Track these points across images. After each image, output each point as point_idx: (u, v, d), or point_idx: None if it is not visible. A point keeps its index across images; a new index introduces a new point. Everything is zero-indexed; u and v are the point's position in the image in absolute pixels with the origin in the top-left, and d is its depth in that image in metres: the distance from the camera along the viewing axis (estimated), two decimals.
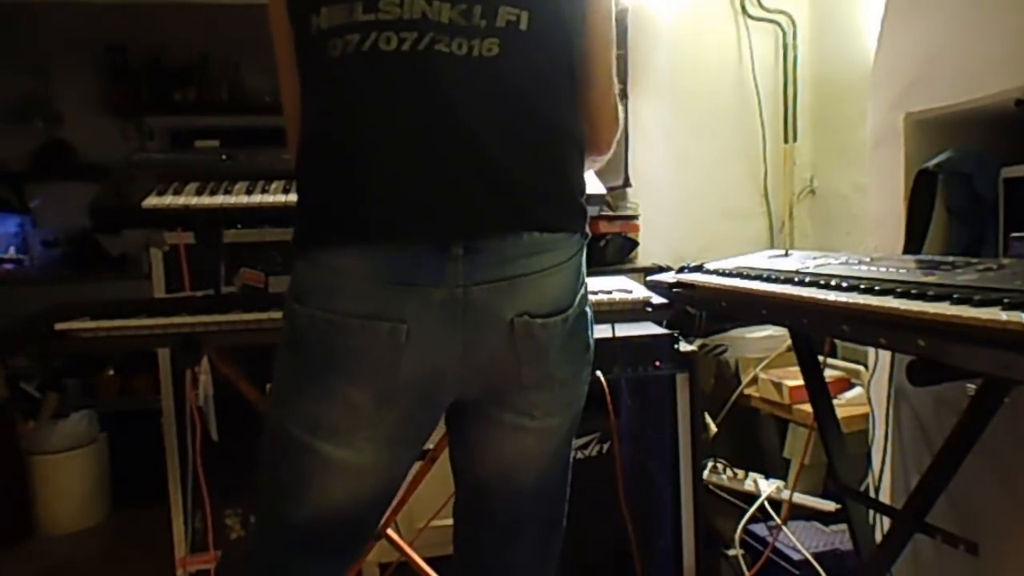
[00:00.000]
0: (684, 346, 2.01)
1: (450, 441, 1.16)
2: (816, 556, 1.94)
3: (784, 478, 2.28)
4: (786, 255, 1.57)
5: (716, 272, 1.50)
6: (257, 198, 1.58)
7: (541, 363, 1.03)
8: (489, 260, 0.97)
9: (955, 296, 0.96)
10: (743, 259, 1.57)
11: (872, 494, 1.85)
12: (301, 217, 1.03)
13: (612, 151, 1.20)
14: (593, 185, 1.65)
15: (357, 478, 1.03)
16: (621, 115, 1.16)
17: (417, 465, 1.61)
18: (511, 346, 0.99)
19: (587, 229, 1.08)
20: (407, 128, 0.96)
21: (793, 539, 1.99)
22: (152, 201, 1.55)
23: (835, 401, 1.78)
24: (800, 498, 2.14)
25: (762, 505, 2.16)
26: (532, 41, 0.99)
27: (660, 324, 2.05)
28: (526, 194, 0.99)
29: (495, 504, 1.14)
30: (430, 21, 0.95)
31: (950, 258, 1.26)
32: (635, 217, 2.72)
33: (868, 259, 1.36)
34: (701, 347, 2.45)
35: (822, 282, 1.19)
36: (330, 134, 0.99)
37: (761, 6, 2.88)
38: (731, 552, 2.11)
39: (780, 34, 2.90)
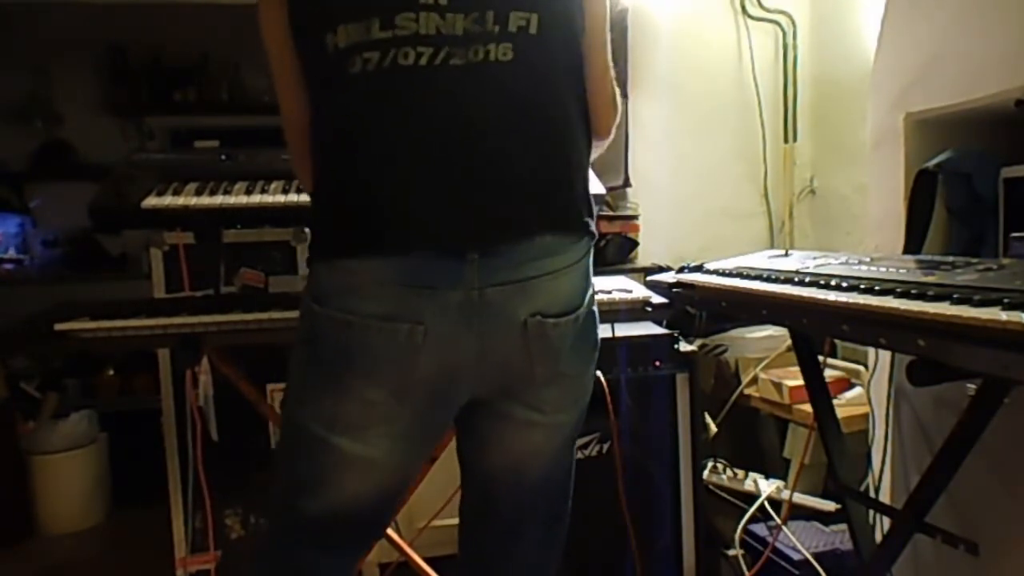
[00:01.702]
0: (684, 346, 2.01)
1: (459, 436, 1.18)
2: (816, 556, 1.94)
3: (784, 478, 2.28)
4: (786, 255, 1.57)
5: (716, 272, 1.50)
6: (257, 198, 1.58)
7: (553, 362, 1.05)
8: (504, 263, 0.99)
9: (955, 296, 0.96)
10: (743, 259, 1.57)
11: (872, 494, 1.85)
12: (318, 227, 1.06)
13: (612, 136, 1.21)
14: (593, 185, 1.65)
15: (372, 473, 1.05)
16: (619, 99, 1.18)
17: None
18: (524, 345, 1.02)
19: (594, 229, 1.10)
20: (422, 140, 0.98)
21: (793, 539, 1.99)
22: (152, 201, 1.55)
23: (835, 401, 1.78)
24: (800, 498, 2.14)
25: (762, 505, 2.16)
26: (542, 44, 1.02)
27: (660, 324, 2.05)
28: (539, 200, 1.02)
29: (502, 499, 1.16)
30: (444, 36, 0.97)
31: (950, 258, 1.26)
32: (635, 217, 2.73)
33: (868, 259, 1.36)
34: (701, 347, 2.45)
35: (822, 282, 1.19)
36: (348, 148, 1.02)
37: (761, 6, 2.88)
38: (731, 552, 2.11)
39: (780, 34, 2.90)
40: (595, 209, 1.12)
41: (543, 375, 1.06)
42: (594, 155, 1.26)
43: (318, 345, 1.03)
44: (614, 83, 1.16)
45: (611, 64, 1.15)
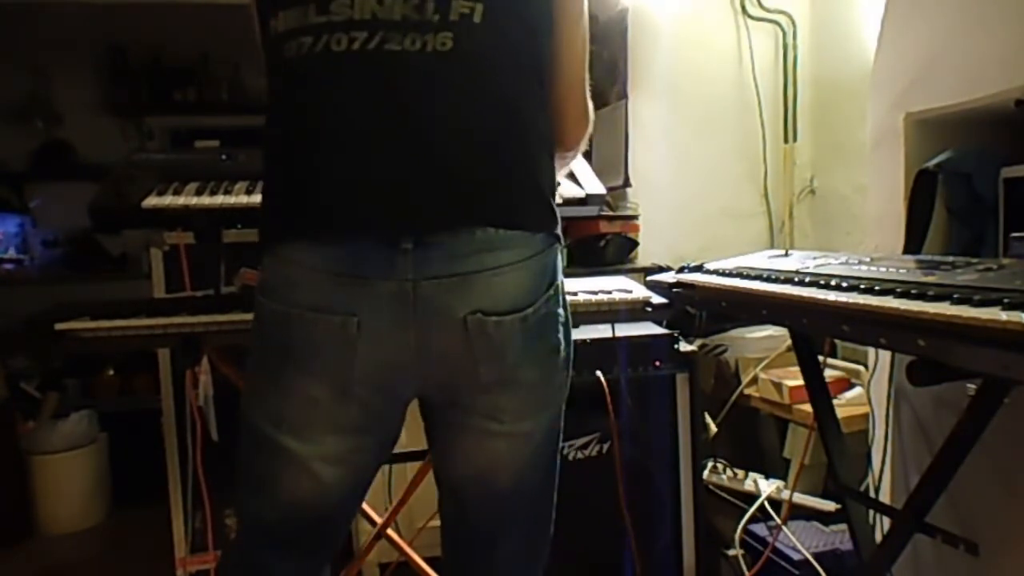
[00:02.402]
0: (684, 346, 2.01)
1: (428, 444, 1.15)
2: (816, 556, 1.94)
3: (784, 478, 2.28)
4: (786, 255, 1.57)
5: (716, 272, 1.50)
6: (257, 198, 1.57)
7: (498, 362, 1.01)
8: (440, 255, 0.96)
9: (955, 296, 0.96)
10: (743, 259, 1.57)
11: (872, 494, 1.85)
12: (262, 212, 1.06)
13: (581, 149, 1.19)
14: (593, 185, 1.65)
15: (321, 474, 1.03)
16: (592, 113, 1.15)
17: (417, 465, 1.61)
18: (466, 344, 0.98)
19: (556, 230, 1.06)
20: (355, 126, 0.96)
21: (793, 539, 1.99)
22: (152, 201, 1.55)
23: (835, 401, 1.78)
24: (800, 498, 2.13)
25: (762, 505, 2.16)
26: (488, 34, 0.98)
27: (660, 324, 2.05)
28: (477, 189, 0.98)
29: (470, 506, 1.13)
30: (380, 20, 0.95)
31: (950, 258, 1.26)
32: (635, 217, 2.72)
33: (868, 259, 1.36)
34: (701, 347, 2.45)
35: (822, 282, 1.19)
36: (283, 133, 1.02)
37: (761, 6, 2.88)
38: (731, 552, 2.11)
39: (780, 34, 2.90)
40: (557, 209, 1.07)
41: (489, 377, 1.01)
42: (562, 165, 1.22)
43: (263, 339, 1.03)
44: (588, 96, 1.13)
45: (587, 77, 1.12)
